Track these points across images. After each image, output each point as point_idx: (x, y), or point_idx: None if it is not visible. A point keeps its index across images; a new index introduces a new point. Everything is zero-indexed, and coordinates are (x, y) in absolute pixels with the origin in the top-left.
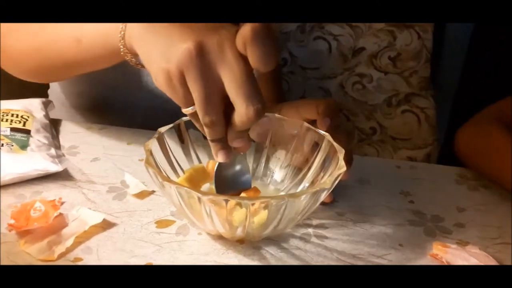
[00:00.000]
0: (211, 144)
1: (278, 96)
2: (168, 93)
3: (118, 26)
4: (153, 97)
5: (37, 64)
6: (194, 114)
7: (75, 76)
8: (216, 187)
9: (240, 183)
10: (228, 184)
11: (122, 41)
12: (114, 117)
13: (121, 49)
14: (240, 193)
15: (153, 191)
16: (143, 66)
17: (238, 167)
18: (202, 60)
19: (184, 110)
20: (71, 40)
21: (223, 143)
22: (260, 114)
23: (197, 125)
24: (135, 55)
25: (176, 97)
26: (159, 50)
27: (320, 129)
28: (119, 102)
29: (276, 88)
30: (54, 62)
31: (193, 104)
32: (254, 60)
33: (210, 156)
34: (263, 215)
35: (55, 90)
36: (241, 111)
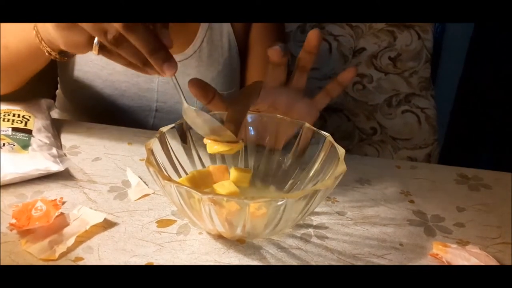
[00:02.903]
0: (153, 61)
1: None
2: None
3: (32, 26)
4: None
5: None
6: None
7: (19, 83)
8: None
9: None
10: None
11: (38, 35)
12: (115, 117)
13: (40, 45)
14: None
15: (153, 191)
16: (61, 59)
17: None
18: None
19: (94, 47)
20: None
21: (165, 54)
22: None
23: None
24: (55, 48)
25: (94, 31)
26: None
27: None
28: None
29: None
30: None
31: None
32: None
33: (212, 158)
34: (263, 215)
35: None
36: None
